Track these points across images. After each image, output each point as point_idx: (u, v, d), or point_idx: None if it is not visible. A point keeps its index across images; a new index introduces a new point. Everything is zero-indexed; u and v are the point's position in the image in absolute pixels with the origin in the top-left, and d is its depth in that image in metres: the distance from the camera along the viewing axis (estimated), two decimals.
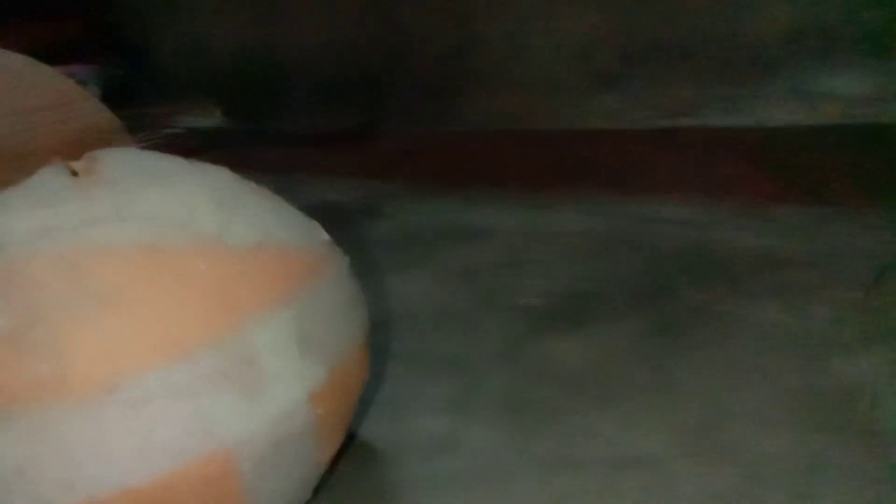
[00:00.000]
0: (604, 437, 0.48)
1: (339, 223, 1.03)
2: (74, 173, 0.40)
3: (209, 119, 1.75)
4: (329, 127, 1.62)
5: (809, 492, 0.41)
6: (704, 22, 1.20)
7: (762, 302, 0.63)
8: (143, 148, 1.49)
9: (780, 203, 0.83)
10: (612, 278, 0.72)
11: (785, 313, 0.61)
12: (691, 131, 1.18)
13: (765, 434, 0.46)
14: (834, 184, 0.85)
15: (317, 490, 0.43)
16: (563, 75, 1.36)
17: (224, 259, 0.37)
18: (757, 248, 0.74)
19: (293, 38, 1.72)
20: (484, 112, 1.46)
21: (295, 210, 0.45)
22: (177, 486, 0.35)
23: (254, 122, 1.73)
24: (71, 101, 0.65)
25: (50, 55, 1.90)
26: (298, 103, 1.71)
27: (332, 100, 1.67)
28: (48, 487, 0.32)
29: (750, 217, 0.82)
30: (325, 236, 0.45)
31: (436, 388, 0.56)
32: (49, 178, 0.39)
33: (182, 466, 0.34)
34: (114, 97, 1.91)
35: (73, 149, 0.63)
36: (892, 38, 1.04)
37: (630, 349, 0.59)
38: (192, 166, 0.42)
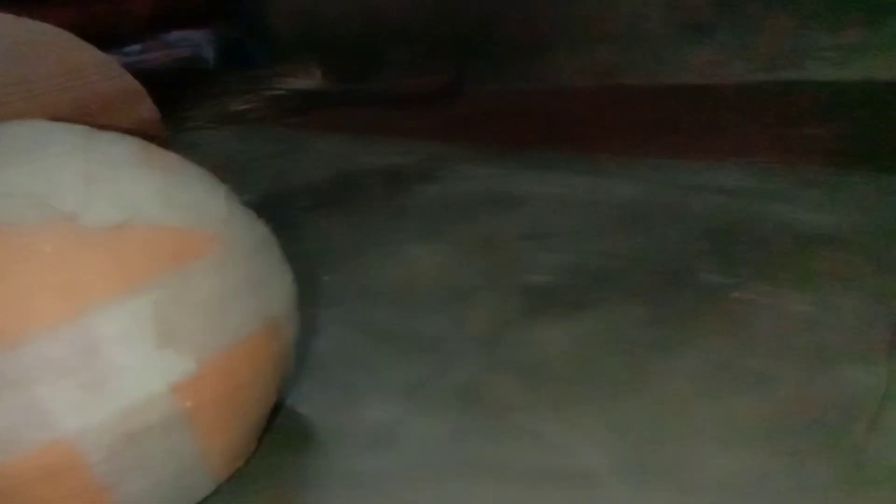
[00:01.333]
0: (545, 443, 0.42)
1: (390, 188, 1.00)
2: None
3: (310, 81, 1.75)
4: (419, 87, 1.57)
5: None
6: None
7: (787, 290, 0.53)
8: (242, 110, 1.51)
9: (855, 172, 0.71)
10: (634, 255, 0.64)
11: (809, 305, 0.51)
12: (787, 86, 1.04)
13: (722, 455, 0.38)
14: None
15: (232, 478, 0.40)
16: (653, 25, 1.24)
17: (73, 241, 0.34)
18: (807, 224, 0.63)
19: (392, 1, 1.68)
20: (571, 68, 1.36)
21: (202, 187, 0.42)
22: (16, 476, 0.33)
23: (351, 84, 1.72)
24: (77, 69, 0.65)
25: (170, 20, 1.97)
26: (393, 64, 1.68)
27: (424, 60, 1.62)
28: None
29: (814, 187, 0.70)
30: (225, 213, 0.41)
31: (398, 373, 0.52)
32: None
33: (18, 457, 0.32)
34: (228, 60, 1.97)
35: (75, 116, 0.63)
36: None
37: (619, 340, 0.52)
38: (80, 140, 0.39)
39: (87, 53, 0.67)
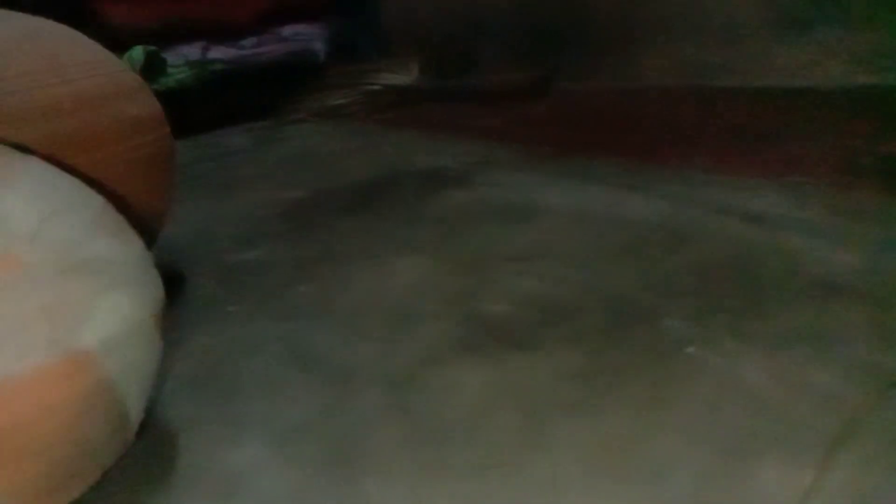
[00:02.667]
0: None
1: (422, 192, 0.94)
2: None
3: (406, 76, 1.72)
4: (508, 85, 1.50)
5: None
6: None
7: (753, 353, 0.42)
8: (340, 104, 1.51)
9: None
10: (611, 289, 0.55)
11: (769, 377, 0.40)
12: (889, 91, 0.87)
13: None
14: None
15: None
16: (746, 23, 1.09)
17: None
18: (824, 266, 0.50)
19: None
20: (660, 67, 1.23)
21: (17, 205, 0.38)
22: None
23: (445, 80, 1.67)
24: (57, 67, 0.64)
25: (285, 14, 2.00)
26: (487, 62, 1.61)
27: (517, 58, 1.54)
28: None
29: (856, 220, 0.57)
30: None
31: (289, 410, 0.46)
32: None
33: None
34: (338, 55, 1.97)
35: (44, 113, 0.62)
36: None
37: (535, 396, 0.43)
38: None
39: (75, 50, 0.66)
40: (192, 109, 1.84)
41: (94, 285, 0.37)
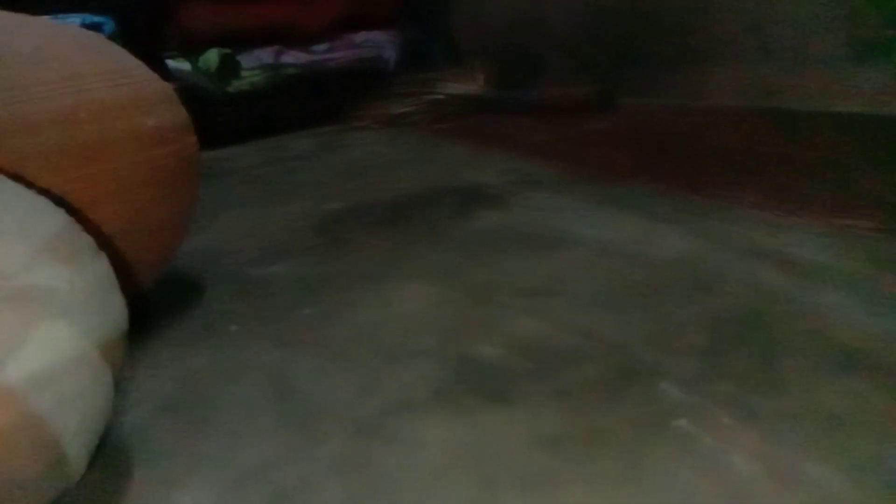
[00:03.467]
0: None
1: (454, 212, 0.90)
2: None
3: (471, 86, 1.68)
4: (570, 98, 1.44)
5: None
6: None
7: (753, 437, 0.36)
8: (402, 113, 1.50)
9: None
10: (613, 339, 0.49)
11: (761, 463, 0.34)
12: None
13: None
14: None
15: None
16: (818, 43, 1.00)
17: None
18: (856, 330, 0.44)
19: (559, 11, 1.56)
20: (723, 85, 1.15)
21: None
22: None
23: (507, 91, 1.62)
24: (76, 76, 0.63)
25: (357, 21, 2.00)
26: (551, 73, 1.56)
27: (581, 70, 1.48)
28: None
29: (893, 275, 0.50)
30: None
31: (228, 461, 0.43)
32: None
33: None
34: (408, 62, 1.96)
35: (58, 123, 0.61)
36: None
37: (504, 461, 0.39)
38: None
39: (96, 59, 0.65)
40: (263, 112, 1.87)
41: (27, 315, 0.35)
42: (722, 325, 0.48)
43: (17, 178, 0.57)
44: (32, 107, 0.59)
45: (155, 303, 0.69)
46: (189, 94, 1.91)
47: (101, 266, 0.42)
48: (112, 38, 1.75)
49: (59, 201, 0.58)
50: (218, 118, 1.77)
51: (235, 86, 1.92)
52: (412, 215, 0.90)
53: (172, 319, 0.66)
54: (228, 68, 1.91)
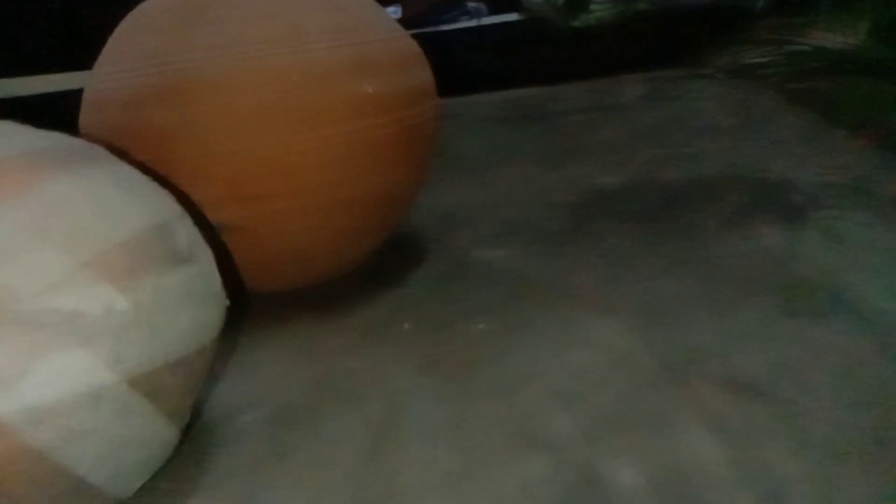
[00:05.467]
0: None
1: (729, 220, 0.70)
2: None
3: (848, 40, 1.33)
4: None
5: None
6: None
7: None
8: (754, 63, 1.28)
9: None
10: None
11: None
12: None
13: None
14: None
15: None
16: None
17: None
18: None
19: None
20: None
21: None
22: None
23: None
24: (306, 34, 0.59)
25: None
26: None
27: None
28: None
29: None
30: None
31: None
32: None
33: None
34: (780, 4, 1.63)
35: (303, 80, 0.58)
36: None
37: None
38: None
39: (327, 18, 0.60)
40: (603, 49, 1.72)
41: (34, 344, 0.31)
42: None
43: (226, 132, 0.56)
44: (245, 64, 0.57)
45: (354, 277, 0.66)
46: (534, 27, 1.84)
47: (185, 276, 0.37)
48: None
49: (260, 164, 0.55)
50: (560, 54, 1.68)
51: (583, 20, 1.79)
52: (680, 213, 0.73)
53: (365, 299, 0.61)
54: (577, 1, 1.79)
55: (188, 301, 0.37)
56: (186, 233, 0.39)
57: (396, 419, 0.43)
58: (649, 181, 0.86)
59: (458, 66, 1.39)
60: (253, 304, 0.61)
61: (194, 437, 0.44)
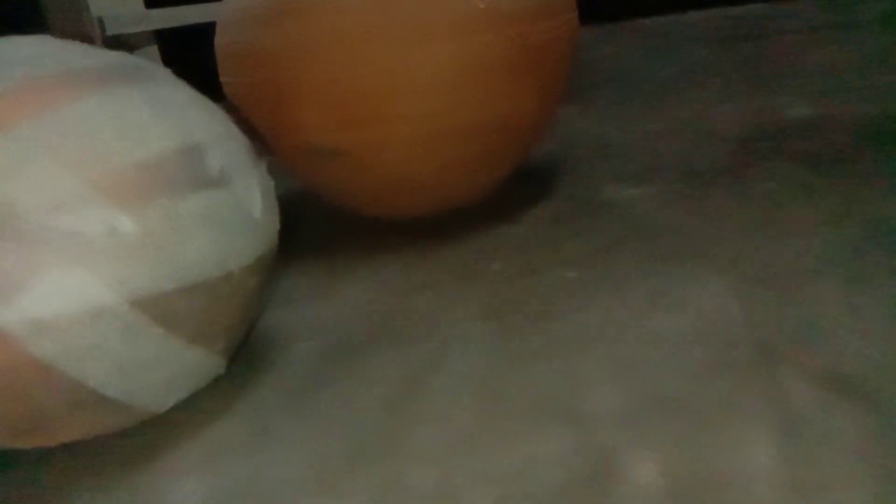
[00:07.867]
0: None
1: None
2: None
3: None
4: None
5: None
6: None
7: None
8: None
9: None
10: None
11: None
12: None
13: None
14: None
15: None
16: None
17: None
18: None
19: None
20: None
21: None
22: None
23: None
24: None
25: None
26: None
27: None
28: None
29: None
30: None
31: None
32: None
33: None
34: None
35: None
36: None
37: None
38: None
39: None
40: None
41: (34, 260, 0.31)
42: None
43: (330, 52, 0.53)
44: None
45: (468, 210, 0.61)
46: None
47: (208, 201, 0.36)
48: None
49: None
50: None
51: None
52: (866, 159, 0.58)
53: (468, 235, 0.57)
54: None
55: (209, 226, 0.36)
56: (222, 156, 0.38)
57: (436, 367, 0.39)
58: (850, 116, 0.69)
59: None
60: (358, 230, 0.59)
61: (249, 360, 0.43)
